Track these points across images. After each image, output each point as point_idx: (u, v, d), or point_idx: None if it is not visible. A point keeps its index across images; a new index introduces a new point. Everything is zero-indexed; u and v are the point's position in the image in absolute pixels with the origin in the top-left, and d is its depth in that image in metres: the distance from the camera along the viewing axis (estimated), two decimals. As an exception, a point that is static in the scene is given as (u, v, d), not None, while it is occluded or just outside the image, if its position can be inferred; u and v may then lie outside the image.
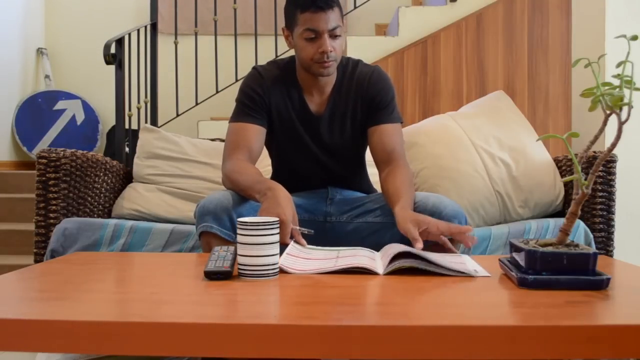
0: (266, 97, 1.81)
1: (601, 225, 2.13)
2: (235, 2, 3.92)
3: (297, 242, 1.50)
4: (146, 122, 3.96)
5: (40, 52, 4.89)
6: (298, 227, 1.51)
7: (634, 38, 1.09)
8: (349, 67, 1.86)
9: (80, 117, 4.79)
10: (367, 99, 1.83)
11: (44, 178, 2.07)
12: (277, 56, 3.82)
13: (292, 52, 1.87)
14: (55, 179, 2.07)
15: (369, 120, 1.84)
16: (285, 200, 1.51)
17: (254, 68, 1.87)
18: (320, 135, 1.85)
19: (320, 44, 1.70)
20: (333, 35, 1.71)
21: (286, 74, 1.84)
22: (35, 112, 4.65)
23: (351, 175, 1.95)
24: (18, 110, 4.59)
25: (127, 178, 2.50)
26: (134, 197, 2.32)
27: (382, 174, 1.78)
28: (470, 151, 2.29)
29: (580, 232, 2.04)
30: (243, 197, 1.66)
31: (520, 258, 1.18)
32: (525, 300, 1.06)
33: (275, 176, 1.97)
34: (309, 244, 1.56)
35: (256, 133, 1.79)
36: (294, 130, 1.84)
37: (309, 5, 1.68)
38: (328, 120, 1.85)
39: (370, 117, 1.83)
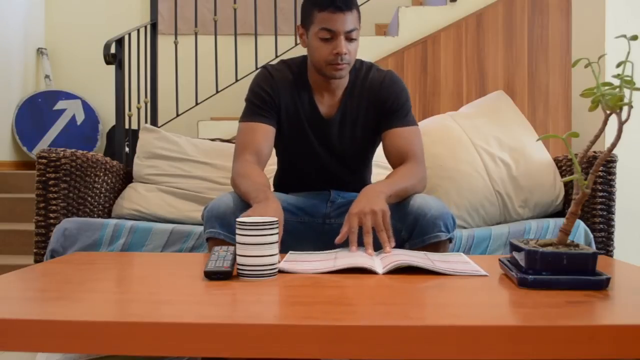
0: (276, 97, 1.78)
1: (601, 225, 2.13)
2: (235, 2, 3.92)
3: None
4: (146, 122, 3.96)
5: (40, 52, 4.89)
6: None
7: (634, 38, 1.09)
8: (362, 71, 1.82)
9: (80, 117, 4.79)
10: (379, 103, 1.79)
11: (44, 178, 2.07)
12: (277, 56, 3.82)
13: (298, 52, 1.85)
14: (55, 179, 2.07)
15: (382, 124, 1.79)
16: (273, 209, 1.48)
17: (264, 67, 1.84)
18: (329, 138, 1.82)
19: (335, 45, 1.67)
20: (349, 38, 1.68)
21: (297, 75, 1.81)
22: (35, 112, 4.65)
23: (355, 178, 1.93)
24: (18, 110, 4.59)
25: (127, 178, 2.50)
26: (134, 197, 2.32)
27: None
28: (470, 151, 2.29)
29: (580, 232, 2.04)
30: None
31: (520, 258, 1.18)
32: (525, 300, 1.06)
33: (280, 174, 1.97)
34: (305, 249, 1.56)
35: (265, 133, 1.76)
36: (302, 132, 1.82)
37: (327, 5, 1.65)
38: (338, 124, 1.82)
39: (383, 121, 1.79)
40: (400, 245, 1.61)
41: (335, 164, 1.86)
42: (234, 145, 1.84)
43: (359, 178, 1.93)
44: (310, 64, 1.78)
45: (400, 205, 1.64)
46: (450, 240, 1.61)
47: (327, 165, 1.86)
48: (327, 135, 1.82)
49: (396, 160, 1.75)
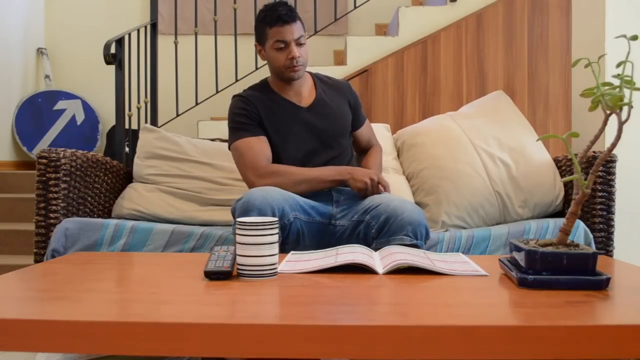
0: (254, 110, 1.99)
1: (601, 225, 2.13)
2: (235, 2, 3.92)
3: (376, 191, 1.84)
4: (146, 122, 3.95)
5: (40, 52, 4.89)
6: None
7: (634, 38, 1.09)
8: (321, 76, 2.15)
9: (80, 117, 4.79)
10: (351, 102, 2.12)
11: (44, 178, 2.07)
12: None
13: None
14: (56, 179, 2.07)
15: (354, 123, 2.13)
16: (356, 170, 1.89)
17: (234, 96, 2.06)
18: (314, 121, 2.01)
19: (289, 52, 1.95)
20: (298, 44, 1.96)
21: (263, 91, 2.05)
22: (35, 112, 4.65)
23: (341, 162, 2.02)
24: (18, 110, 4.59)
25: (127, 178, 2.50)
26: (134, 197, 2.32)
27: (362, 156, 2.21)
28: (470, 151, 2.29)
29: (580, 232, 2.04)
30: (282, 194, 1.71)
31: (520, 258, 1.18)
32: (525, 300, 1.06)
33: None
34: (311, 248, 1.58)
35: (264, 142, 1.95)
36: (286, 126, 1.98)
37: (275, 21, 1.94)
38: (315, 107, 2.03)
39: (354, 120, 2.13)
40: (369, 242, 1.70)
41: (322, 148, 1.99)
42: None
43: (343, 162, 2.04)
44: (272, 74, 2.05)
45: (377, 204, 1.73)
46: (418, 248, 1.63)
47: (316, 153, 1.97)
48: (310, 119, 2.01)
49: (363, 148, 2.22)
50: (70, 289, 1.16)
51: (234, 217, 1.69)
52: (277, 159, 1.97)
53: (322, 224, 1.84)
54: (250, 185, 1.90)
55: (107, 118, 4.72)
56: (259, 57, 3.87)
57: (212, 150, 2.43)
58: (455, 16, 3.47)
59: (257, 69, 3.78)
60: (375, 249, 1.61)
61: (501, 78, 3.42)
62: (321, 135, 2.00)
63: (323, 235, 1.84)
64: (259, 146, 1.94)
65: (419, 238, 1.63)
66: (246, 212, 1.61)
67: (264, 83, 2.09)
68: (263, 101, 2.01)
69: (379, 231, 1.68)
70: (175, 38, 3.97)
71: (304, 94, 2.05)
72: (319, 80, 2.12)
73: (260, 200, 1.63)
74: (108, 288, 1.23)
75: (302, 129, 1.99)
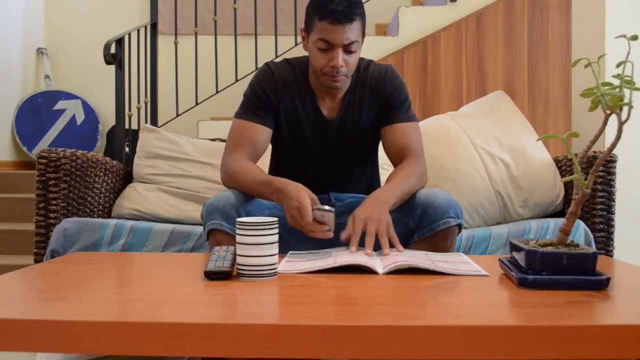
0: (275, 99, 1.75)
1: (601, 225, 2.13)
2: (235, 2, 3.93)
3: (314, 230, 1.48)
4: (146, 122, 3.96)
5: (40, 52, 4.89)
6: (318, 207, 1.47)
7: (634, 38, 1.08)
8: (362, 67, 1.80)
9: (80, 117, 4.79)
10: (381, 97, 1.77)
11: (44, 178, 2.07)
12: (277, 56, 3.82)
13: (298, 53, 1.86)
14: (55, 179, 2.07)
15: (382, 119, 1.78)
16: (295, 192, 1.50)
17: (267, 65, 1.80)
18: (330, 139, 1.80)
19: (332, 57, 1.63)
20: (348, 50, 1.64)
21: (300, 76, 1.78)
22: (35, 112, 4.65)
23: (356, 179, 1.90)
24: (18, 110, 4.59)
25: (127, 178, 2.50)
26: (134, 197, 2.32)
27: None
28: (470, 151, 2.29)
29: (580, 232, 2.04)
30: (249, 195, 1.64)
31: (520, 258, 1.18)
32: (525, 300, 1.06)
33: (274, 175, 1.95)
34: (306, 249, 1.56)
35: (261, 132, 1.74)
36: (301, 133, 1.80)
37: (327, 15, 1.60)
38: (339, 124, 1.79)
39: (384, 116, 1.77)
40: (407, 237, 1.62)
41: (335, 165, 1.84)
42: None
43: (360, 179, 1.90)
44: (311, 67, 1.77)
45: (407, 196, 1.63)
46: (460, 227, 1.59)
47: (326, 166, 1.84)
48: (327, 135, 1.80)
49: (395, 156, 1.75)
50: (70, 289, 1.16)
51: (202, 219, 1.61)
52: (286, 168, 1.84)
53: None
54: (221, 166, 1.74)
55: (107, 118, 4.72)
56: (259, 57, 3.89)
57: (212, 150, 2.43)
58: (455, 16, 3.47)
59: (257, 69, 3.77)
60: (419, 241, 1.59)
61: (501, 78, 3.42)
62: (337, 153, 1.81)
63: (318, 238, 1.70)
64: (250, 133, 1.71)
65: (460, 217, 1.57)
66: (210, 215, 1.54)
67: (305, 68, 1.78)
68: (291, 91, 1.76)
69: (419, 223, 1.59)
70: (175, 38, 3.97)
71: (338, 97, 1.78)
72: (359, 80, 1.79)
73: (223, 201, 1.55)
74: (108, 288, 1.23)
75: (320, 145, 1.81)
